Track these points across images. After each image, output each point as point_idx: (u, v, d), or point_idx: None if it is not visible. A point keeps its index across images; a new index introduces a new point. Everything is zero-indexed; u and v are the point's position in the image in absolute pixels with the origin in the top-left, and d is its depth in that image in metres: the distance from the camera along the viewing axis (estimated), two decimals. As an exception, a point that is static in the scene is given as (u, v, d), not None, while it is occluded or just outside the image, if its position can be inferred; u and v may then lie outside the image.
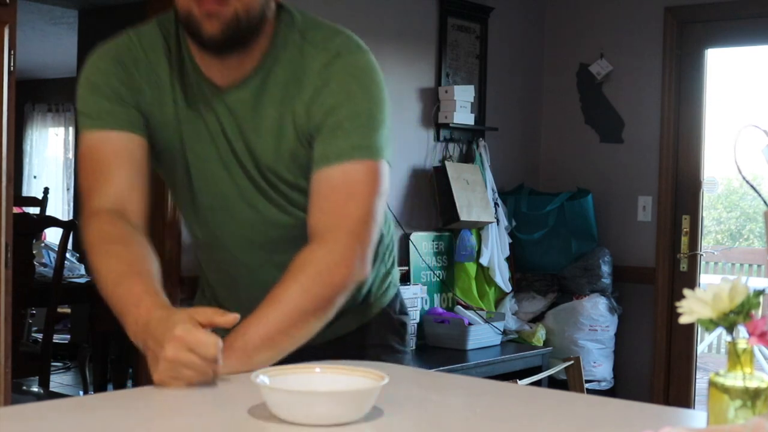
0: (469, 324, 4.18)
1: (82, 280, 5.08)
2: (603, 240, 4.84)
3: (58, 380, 5.87)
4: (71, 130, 9.23)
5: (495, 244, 4.54)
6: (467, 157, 4.62)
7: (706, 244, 6.40)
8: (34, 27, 6.88)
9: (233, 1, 1.46)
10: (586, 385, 4.52)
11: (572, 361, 4.48)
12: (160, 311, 1.32)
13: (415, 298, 4.15)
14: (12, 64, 3.20)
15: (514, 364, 4.19)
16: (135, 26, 1.65)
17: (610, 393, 4.59)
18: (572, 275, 4.70)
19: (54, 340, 4.72)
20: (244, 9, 1.47)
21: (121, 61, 1.58)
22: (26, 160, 9.61)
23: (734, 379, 0.96)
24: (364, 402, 1.13)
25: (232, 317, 1.32)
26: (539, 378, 4.24)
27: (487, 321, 4.30)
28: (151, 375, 1.29)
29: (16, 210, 3.61)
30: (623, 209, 4.89)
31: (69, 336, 6.30)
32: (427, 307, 4.33)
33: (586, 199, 4.74)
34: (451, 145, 4.56)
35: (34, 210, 6.88)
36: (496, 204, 4.58)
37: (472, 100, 4.53)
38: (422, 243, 4.39)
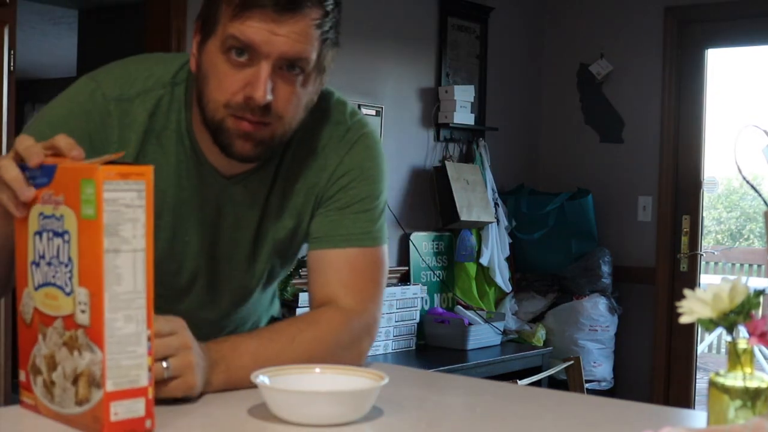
0: (469, 324, 4.18)
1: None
2: (603, 240, 4.84)
3: (58, 380, 5.86)
4: (71, 130, 9.20)
5: (495, 244, 4.54)
6: (467, 157, 4.62)
7: (706, 244, 6.40)
8: (34, 27, 6.88)
9: (275, 124, 1.30)
10: (586, 385, 4.52)
11: (572, 361, 4.48)
12: None
13: (415, 298, 4.15)
14: (12, 64, 3.20)
15: (514, 364, 4.19)
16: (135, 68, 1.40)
17: (610, 393, 4.59)
18: (572, 275, 4.70)
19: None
20: (284, 131, 1.32)
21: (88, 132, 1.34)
22: (26, 160, 9.60)
23: (734, 379, 0.96)
24: (364, 402, 1.13)
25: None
26: (539, 378, 4.24)
27: (487, 321, 4.30)
28: None
29: (16, 210, 3.60)
30: (623, 209, 4.89)
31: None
32: (427, 307, 4.33)
33: (586, 199, 4.74)
34: (451, 145, 4.56)
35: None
36: (496, 204, 4.58)
37: (472, 100, 4.53)
38: (422, 243, 4.39)
